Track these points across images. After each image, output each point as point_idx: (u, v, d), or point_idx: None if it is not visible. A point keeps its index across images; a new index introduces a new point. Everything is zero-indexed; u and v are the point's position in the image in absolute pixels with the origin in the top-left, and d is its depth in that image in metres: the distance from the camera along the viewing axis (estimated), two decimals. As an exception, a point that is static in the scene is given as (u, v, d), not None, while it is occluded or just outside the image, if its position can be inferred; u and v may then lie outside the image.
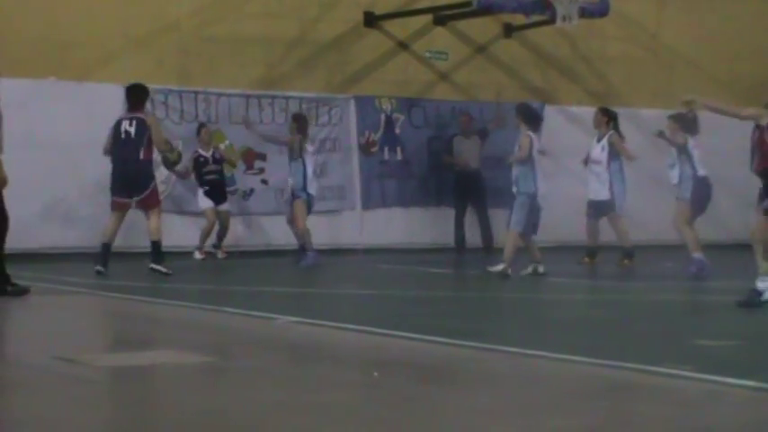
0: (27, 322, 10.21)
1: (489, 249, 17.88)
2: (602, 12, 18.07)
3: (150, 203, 13.62)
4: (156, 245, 13.57)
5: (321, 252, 15.91)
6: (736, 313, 10.30)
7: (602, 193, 15.70)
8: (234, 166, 17.32)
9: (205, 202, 16.80)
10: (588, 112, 19.60)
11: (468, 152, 18.30)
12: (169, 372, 7.18)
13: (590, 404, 6.22)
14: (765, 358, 7.92)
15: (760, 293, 10.40)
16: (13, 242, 11.52)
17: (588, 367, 7.24)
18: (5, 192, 11.12)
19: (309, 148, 15.67)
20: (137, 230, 14.61)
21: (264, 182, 17.81)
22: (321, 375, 7.10)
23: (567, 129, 19.17)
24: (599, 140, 15.85)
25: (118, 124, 13.55)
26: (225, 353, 8.12)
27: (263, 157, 17.75)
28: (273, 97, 17.87)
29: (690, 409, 6.11)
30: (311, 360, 7.80)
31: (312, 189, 15.57)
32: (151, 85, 15.50)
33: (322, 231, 17.27)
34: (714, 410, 6.08)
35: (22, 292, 11.22)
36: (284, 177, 16.21)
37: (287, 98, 17.91)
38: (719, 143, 16.44)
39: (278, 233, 17.08)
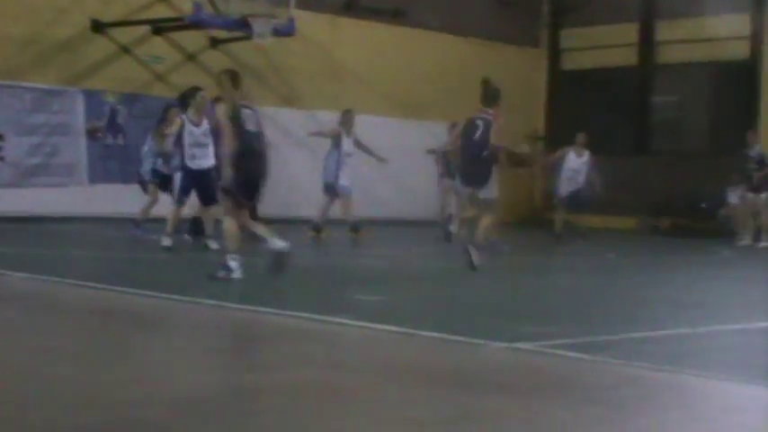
0: None
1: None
2: (290, 32, 18.21)
3: None
4: None
5: (55, 220, 15.34)
6: (388, 275, 10.59)
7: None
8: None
9: None
10: (277, 111, 19.83)
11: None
12: None
13: (272, 345, 6.28)
14: (408, 309, 8.21)
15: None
16: None
17: (270, 316, 7.29)
18: None
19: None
20: None
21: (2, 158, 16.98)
22: (48, 324, 6.85)
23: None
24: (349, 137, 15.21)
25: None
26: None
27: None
28: (10, 87, 17.04)
29: (350, 349, 6.27)
30: (39, 311, 7.48)
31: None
32: None
33: (53, 203, 16.82)
34: (370, 350, 6.26)
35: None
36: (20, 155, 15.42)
37: (23, 88, 17.13)
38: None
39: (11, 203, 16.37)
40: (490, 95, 11.29)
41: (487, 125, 11.09)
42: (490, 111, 11.18)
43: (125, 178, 18.26)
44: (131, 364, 5.48)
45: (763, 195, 18.03)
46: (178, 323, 7.11)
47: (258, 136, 9.50)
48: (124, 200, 17.99)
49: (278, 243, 9.10)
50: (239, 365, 5.55)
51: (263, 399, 4.66)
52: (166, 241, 12.36)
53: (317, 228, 15.20)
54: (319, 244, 14.78)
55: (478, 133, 11.14)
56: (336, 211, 15.39)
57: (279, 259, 9.07)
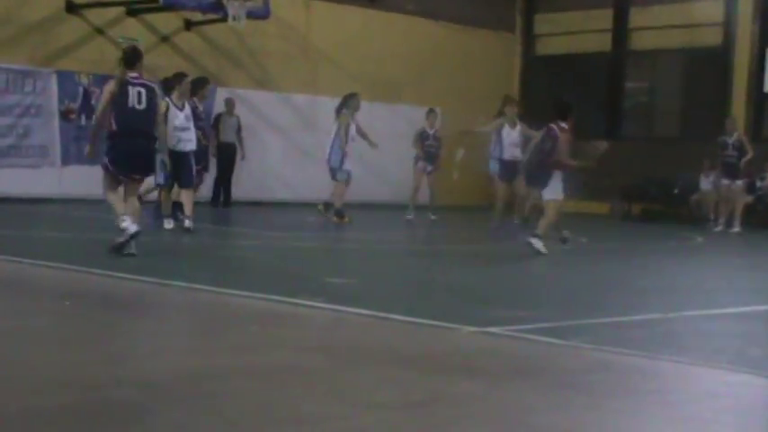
0: None
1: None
2: (265, 15, 18.14)
3: None
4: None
5: (27, 201, 15.18)
6: (358, 257, 10.57)
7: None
8: None
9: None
10: (251, 93, 19.73)
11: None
12: None
13: (242, 327, 6.23)
14: (380, 293, 8.19)
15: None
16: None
17: (241, 299, 7.25)
18: None
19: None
20: None
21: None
22: (20, 305, 6.76)
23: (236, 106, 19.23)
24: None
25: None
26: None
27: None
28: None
29: (320, 332, 6.24)
30: (11, 292, 7.39)
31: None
32: None
33: (25, 184, 16.70)
34: (341, 333, 6.23)
35: None
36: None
37: (-4, 69, 17.02)
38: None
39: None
40: (558, 109, 11.95)
41: (555, 137, 11.63)
42: (563, 123, 11.68)
43: (95, 160, 18.14)
44: (102, 345, 5.42)
45: (739, 182, 18.09)
46: (148, 305, 7.05)
47: (143, 114, 9.53)
48: (96, 182, 17.83)
49: (129, 225, 9.21)
50: (209, 347, 5.50)
51: (233, 381, 4.61)
52: (168, 224, 12.70)
53: (340, 213, 15.17)
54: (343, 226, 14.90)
55: (546, 143, 11.76)
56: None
57: (121, 243, 9.20)
